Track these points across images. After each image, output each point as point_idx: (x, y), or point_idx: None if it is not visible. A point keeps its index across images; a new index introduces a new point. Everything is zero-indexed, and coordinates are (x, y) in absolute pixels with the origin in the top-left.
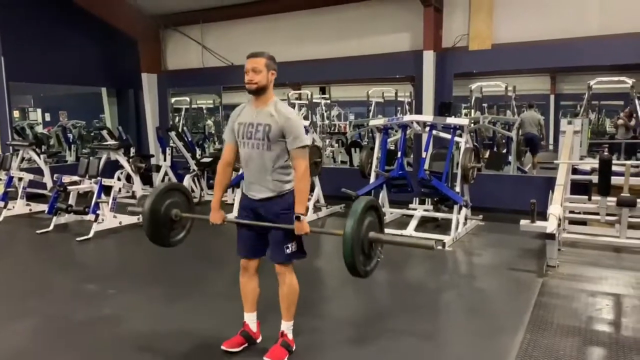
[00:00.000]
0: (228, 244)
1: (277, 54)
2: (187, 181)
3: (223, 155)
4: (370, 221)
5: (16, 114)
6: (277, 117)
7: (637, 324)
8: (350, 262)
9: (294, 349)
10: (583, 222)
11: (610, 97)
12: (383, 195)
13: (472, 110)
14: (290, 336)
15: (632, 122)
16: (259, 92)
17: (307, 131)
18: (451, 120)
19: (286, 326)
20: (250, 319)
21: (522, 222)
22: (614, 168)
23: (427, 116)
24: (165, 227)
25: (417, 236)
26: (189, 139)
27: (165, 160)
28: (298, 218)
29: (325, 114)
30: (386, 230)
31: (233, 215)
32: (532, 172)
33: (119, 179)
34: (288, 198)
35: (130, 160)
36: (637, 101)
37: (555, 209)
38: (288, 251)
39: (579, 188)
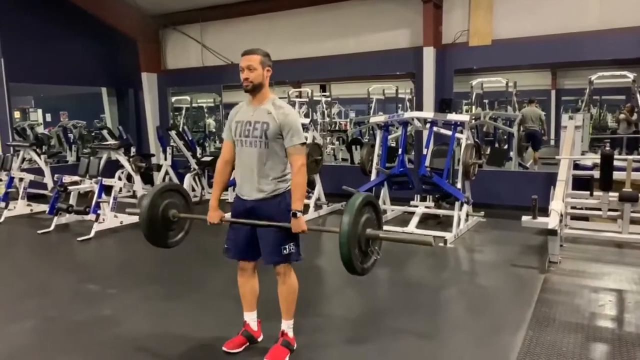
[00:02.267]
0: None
1: (276, 52)
2: (187, 180)
3: (222, 153)
4: (367, 218)
5: (17, 114)
6: (275, 114)
7: None
8: (346, 260)
9: (295, 348)
10: (585, 218)
11: (612, 92)
12: (384, 193)
13: (473, 107)
14: (290, 335)
15: (634, 117)
16: (255, 90)
17: (307, 129)
18: (452, 116)
19: (286, 325)
20: (251, 318)
21: (524, 218)
22: (615, 163)
23: (428, 113)
24: (163, 228)
25: (418, 233)
26: (190, 138)
27: (165, 159)
28: (295, 215)
29: (325, 112)
30: (388, 228)
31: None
32: (534, 168)
33: (119, 179)
34: (284, 198)
35: (131, 159)
36: (638, 96)
37: (556, 205)
38: (285, 252)
39: (580, 183)
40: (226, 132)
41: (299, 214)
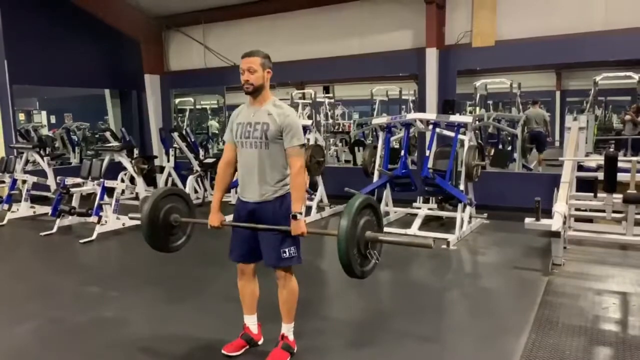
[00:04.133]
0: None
1: (280, 53)
2: (190, 182)
3: (223, 155)
4: (367, 220)
5: (21, 116)
6: (275, 115)
7: None
8: (345, 262)
9: (295, 351)
10: (589, 220)
11: (617, 93)
12: (387, 194)
13: (477, 108)
14: (291, 338)
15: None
16: (256, 92)
17: (309, 130)
18: (455, 117)
19: (287, 328)
20: (251, 321)
21: (527, 220)
22: (620, 164)
23: (431, 114)
24: (164, 233)
25: (421, 235)
26: (192, 140)
27: (168, 161)
28: (295, 217)
29: (329, 113)
30: (390, 229)
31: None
32: (538, 170)
33: (122, 181)
34: (285, 200)
35: (133, 161)
36: None
37: (560, 207)
38: (285, 255)
39: (584, 185)
40: (227, 135)
41: (299, 216)
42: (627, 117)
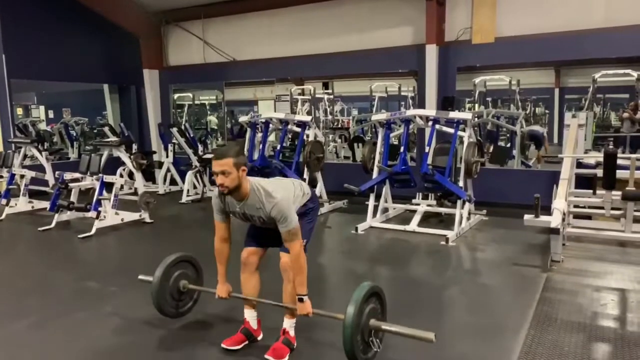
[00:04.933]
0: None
1: (279, 49)
2: (189, 178)
3: (217, 233)
4: (372, 308)
5: (19, 111)
6: (264, 208)
7: None
8: (349, 350)
9: (295, 346)
10: (588, 217)
11: (616, 90)
12: (386, 190)
13: (476, 105)
14: (292, 333)
15: (638, 115)
16: (233, 192)
17: (309, 126)
18: (454, 114)
19: (289, 324)
20: (251, 316)
21: (526, 216)
22: (619, 162)
23: (430, 110)
24: (172, 299)
25: (420, 231)
26: (191, 135)
27: (167, 156)
28: (301, 299)
29: (328, 109)
30: (389, 226)
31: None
32: (537, 167)
33: (120, 176)
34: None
35: (132, 156)
36: None
37: (559, 204)
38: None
39: (583, 182)
40: (217, 216)
41: (305, 299)
42: (625, 114)
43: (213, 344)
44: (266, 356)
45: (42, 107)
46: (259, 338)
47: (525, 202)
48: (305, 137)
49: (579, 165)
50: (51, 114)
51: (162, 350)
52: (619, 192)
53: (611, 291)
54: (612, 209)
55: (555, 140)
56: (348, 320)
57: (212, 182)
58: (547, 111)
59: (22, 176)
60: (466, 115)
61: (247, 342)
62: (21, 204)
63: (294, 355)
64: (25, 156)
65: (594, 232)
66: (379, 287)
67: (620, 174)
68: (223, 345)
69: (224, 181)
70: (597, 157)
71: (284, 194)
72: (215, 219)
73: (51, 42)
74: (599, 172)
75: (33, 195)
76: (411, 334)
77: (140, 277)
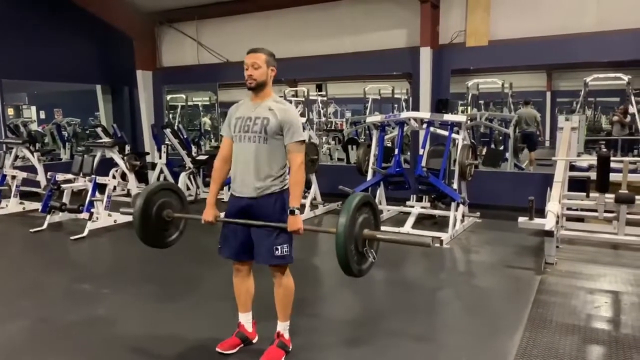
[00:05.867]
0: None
1: (273, 50)
2: (182, 179)
3: (220, 150)
4: (364, 218)
5: (10, 111)
6: (277, 110)
7: (636, 321)
8: (343, 261)
9: (290, 349)
10: (580, 219)
11: (606, 94)
12: (380, 193)
13: (469, 107)
14: (286, 336)
15: (627, 119)
16: (258, 88)
17: (304, 128)
18: (449, 117)
19: (282, 327)
20: (246, 319)
21: (520, 219)
22: (611, 165)
23: (425, 113)
24: (157, 228)
25: (414, 233)
26: (185, 137)
27: (160, 158)
28: (292, 212)
29: (321, 111)
30: (384, 228)
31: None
32: (529, 169)
33: (113, 177)
34: (280, 198)
35: (125, 158)
36: (632, 98)
37: (553, 206)
38: (277, 253)
39: (575, 185)
40: (225, 129)
41: (296, 212)
42: (615, 118)
43: (207, 348)
44: None
45: (33, 108)
46: (254, 341)
47: (517, 205)
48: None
49: (572, 168)
50: (42, 115)
51: (156, 353)
52: (612, 195)
53: (605, 293)
54: (605, 211)
55: (547, 143)
56: (340, 230)
57: (206, 184)
58: (539, 114)
59: (13, 177)
60: (460, 117)
61: (242, 346)
62: (12, 205)
63: (289, 358)
64: (16, 157)
65: (587, 235)
66: (371, 196)
67: (612, 176)
68: (218, 350)
69: (252, 73)
70: (591, 160)
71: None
72: (223, 132)
73: (44, 42)
74: (592, 175)
75: (24, 196)
76: (407, 240)
77: (121, 209)
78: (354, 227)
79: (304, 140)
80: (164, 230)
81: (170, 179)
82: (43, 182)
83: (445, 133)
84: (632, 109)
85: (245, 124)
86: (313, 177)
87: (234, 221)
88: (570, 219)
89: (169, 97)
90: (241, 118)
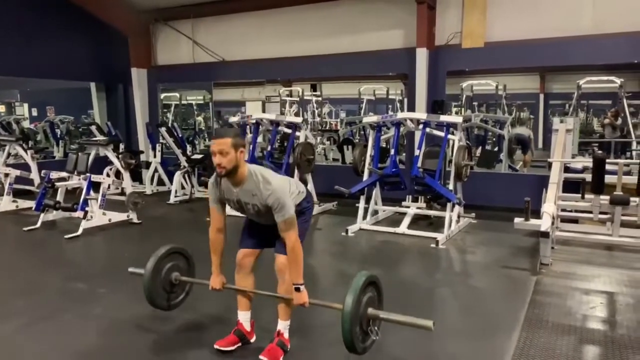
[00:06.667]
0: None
1: (268, 50)
2: (177, 178)
3: (212, 222)
4: (369, 297)
5: (2, 108)
6: (260, 195)
7: (631, 321)
8: (348, 340)
9: (289, 348)
10: (575, 220)
11: (598, 97)
12: (376, 193)
13: (463, 109)
14: (286, 335)
15: (619, 122)
16: (230, 174)
17: (300, 128)
18: (445, 117)
19: (283, 325)
20: (244, 318)
21: (516, 219)
22: (606, 167)
23: (421, 114)
24: (164, 291)
25: (410, 234)
26: (180, 135)
27: (155, 156)
28: (298, 289)
29: (316, 111)
30: (379, 228)
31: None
32: (523, 170)
33: (108, 175)
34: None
35: (120, 156)
36: (625, 101)
37: (549, 207)
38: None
39: (570, 186)
40: (213, 204)
41: (301, 288)
42: (607, 120)
43: (206, 344)
44: (260, 357)
45: (26, 105)
46: (252, 340)
47: (512, 205)
48: (294, 138)
49: (566, 169)
50: (35, 112)
51: (153, 351)
52: (607, 197)
53: (600, 294)
54: (600, 213)
55: (540, 145)
56: (347, 311)
57: (200, 184)
58: (532, 116)
59: (6, 175)
60: (457, 119)
61: (240, 344)
62: (5, 203)
63: (287, 357)
64: (9, 154)
65: (582, 236)
66: (376, 276)
67: (607, 178)
68: (216, 346)
69: (221, 161)
70: (586, 162)
71: (282, 183)
72: (211, 206)
73: (37, 38)
74: (587, 177)
75: (17, 194)
76: (409, 322)
77: (130, 269)
78: (359, 307)
79: (293, 215)
80: (171, 293)
81: (164, 178)
82: (37, 180)
83: (441, 134)
84: (625, 111)
85: (239, 207)
86: (309, 177)
87: (237, 288)
88: (564, 220)
89: (163, 95)
90: (232, 201)
